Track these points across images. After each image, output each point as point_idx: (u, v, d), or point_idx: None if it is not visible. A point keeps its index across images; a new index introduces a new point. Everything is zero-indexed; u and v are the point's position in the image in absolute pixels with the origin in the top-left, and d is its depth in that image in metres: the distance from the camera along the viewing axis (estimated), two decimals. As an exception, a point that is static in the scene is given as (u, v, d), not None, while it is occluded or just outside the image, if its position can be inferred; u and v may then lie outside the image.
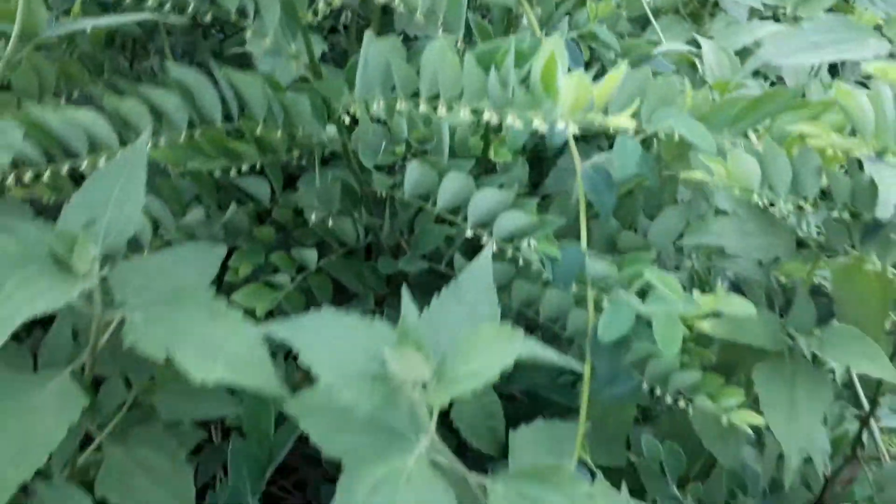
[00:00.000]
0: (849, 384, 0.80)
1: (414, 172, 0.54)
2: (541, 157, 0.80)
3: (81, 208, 0.37)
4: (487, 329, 0.34)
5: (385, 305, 0.73)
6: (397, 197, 0.58)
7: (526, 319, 0.64)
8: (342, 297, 0.72)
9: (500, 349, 0.33)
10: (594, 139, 0.77)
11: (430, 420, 0.36)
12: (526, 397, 0.71)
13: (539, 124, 0.37)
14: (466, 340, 0.34)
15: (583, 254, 0.47)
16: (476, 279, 0.40)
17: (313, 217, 0.64)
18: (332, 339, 0.34)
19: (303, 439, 0.62)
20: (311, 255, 0.63)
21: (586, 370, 0.50)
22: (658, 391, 0.56)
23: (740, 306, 0.41)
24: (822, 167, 0.46)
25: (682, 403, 0.56)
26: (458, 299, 0.39)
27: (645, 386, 0.57)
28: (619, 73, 0.37)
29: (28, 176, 0.40)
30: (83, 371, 0.42)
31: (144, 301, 0.37)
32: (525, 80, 0.37)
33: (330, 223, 0.65)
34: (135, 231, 0.37)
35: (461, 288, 0.40)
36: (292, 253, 0.64)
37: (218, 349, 0.35)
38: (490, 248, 0.41)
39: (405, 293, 0.36)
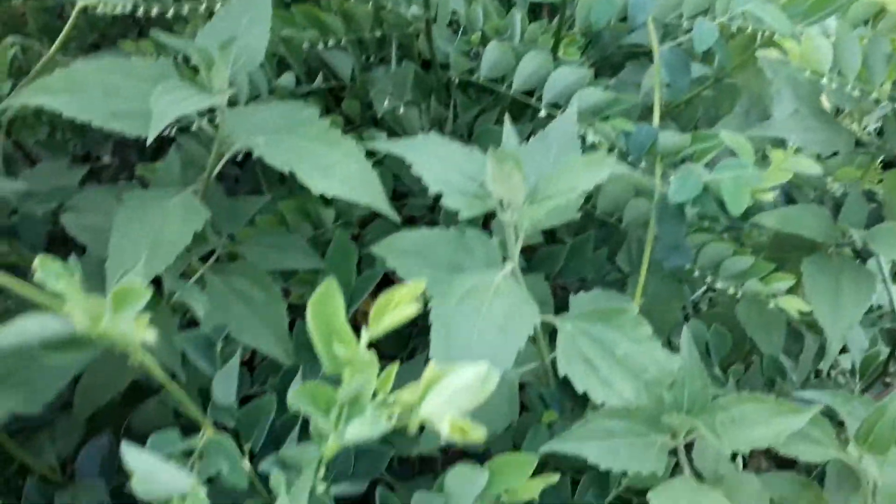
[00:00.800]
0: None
1: (492, 53, 0.57)
2: (598, 75, 0.82)
3: (213, 35, 0.40)
4: (578, 157, 0.38)
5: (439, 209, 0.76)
6: (472, 79, 0.61)
7: (584, 212, 0.67)
8: (399, 192, 0.76)
9: (591, 170, 0.36)
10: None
11: (517, 244, 0.40)
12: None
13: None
14: (558, 166, 0.38)
15: (655, 129, 0.50)
16: (562, 129, 0.43)
17: (385, 103, 0.67)
18: (437, 158, 0.38)
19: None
20: (380, 136, 0.66)
21: (649, 240, 0.53)
22: (709, 279, 0.60)
23: (807, 165, 0.44)
24: (892, 55, 0.48)
25: (731, 290, 0.59)
26: (545, 147, 0.43)
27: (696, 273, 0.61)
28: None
29: (154, 11, 0.44)
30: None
31: (263, 130, 0.41)
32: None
33: (400, 111, 0.68)
34: (259, 62, 0.41)
35: (548, 137, 0.43)
36: (364, 135, 0.67)
37: (333, 169, 0.38)
38: (575, 105, 0.44)
39: (508, 121, 0.39)
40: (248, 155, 0.72)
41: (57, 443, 0.53)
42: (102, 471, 0.51)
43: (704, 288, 0.81)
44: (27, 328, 0.27)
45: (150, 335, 0.28)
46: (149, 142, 0.35)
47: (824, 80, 0.48)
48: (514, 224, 0.38)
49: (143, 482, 0.27)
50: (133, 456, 0.27)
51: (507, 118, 0.40)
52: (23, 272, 0.55)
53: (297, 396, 0.25)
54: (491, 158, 0.35)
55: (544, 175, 0.38)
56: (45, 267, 0.28)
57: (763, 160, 0.67)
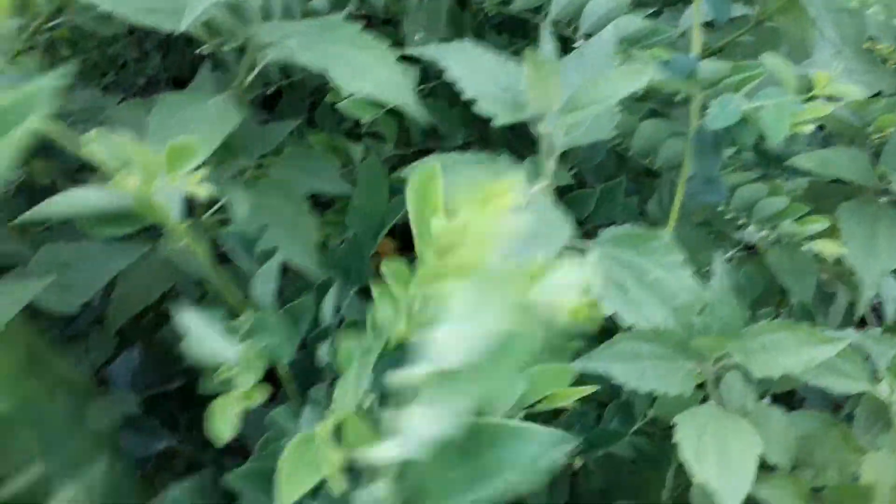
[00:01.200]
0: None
1: (529, -18, 0.56)
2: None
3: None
4: (614, 69, 0.37)
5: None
6: (506, 11, 0.60)
7: (616, 154, 0.66)
8: (431, 139, 0.76)
9: (628, 78, 0.35)
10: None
11: (552, 158, 0.39)
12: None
13: None
14: (594, 77, 0.37)
15: (695, 57, 0.49)
16: (599, 48, 0.42)
17: (417, 37, 0.67)
18: (473, 65, 0.37)
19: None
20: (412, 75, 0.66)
21: (681, 181, 0.53)
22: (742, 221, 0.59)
23: (850, 91, 0.43)
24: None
25: (764, 232, 0.58)
26: (581, 64, 0.42)
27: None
28: None
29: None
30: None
31: (295, 34, 0.41)
32: None
33: (433, 47, 0.67)
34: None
35: (584, 55, 0.42)
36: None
37: (366, 71, 0.38)
38: (613, 27, 0.43)
39: (544, 31, 0.39)
40: (278, 95, 0.72)
41: (90, 354, 0.54)
42: (133, 382, 0.53)
43: (734, 251, 0.80)
44: (75, 198, 0.27)
45: (203, 191, 0.28)
46: (181, 28, 0.35)
47: (871, 11, 0.47)
48: (549, 135, 0.38)
49: (197, 344, 0.27)
50: (187, 318, 0.27)
51: (542, 30, 0.39)
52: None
53: (384, 267, 0.24)
54: (528, 63, 0.35)
55: (582, 81, 0.38)
56: (99, 139, 0.28)
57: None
